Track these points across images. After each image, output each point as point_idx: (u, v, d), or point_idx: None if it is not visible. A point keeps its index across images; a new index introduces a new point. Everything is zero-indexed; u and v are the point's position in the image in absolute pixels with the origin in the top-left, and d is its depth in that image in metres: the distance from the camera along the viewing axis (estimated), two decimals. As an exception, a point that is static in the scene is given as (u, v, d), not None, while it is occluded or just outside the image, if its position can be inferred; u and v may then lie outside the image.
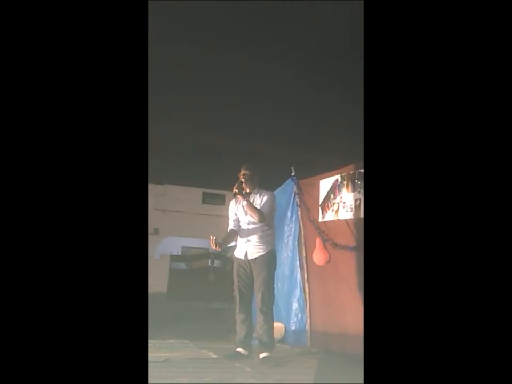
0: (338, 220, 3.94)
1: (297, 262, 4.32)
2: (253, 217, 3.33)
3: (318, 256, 4.10)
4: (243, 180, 3.41)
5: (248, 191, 3.43)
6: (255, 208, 3.33)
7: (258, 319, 3.30)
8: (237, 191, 3.31)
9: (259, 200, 3.42)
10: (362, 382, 1.46)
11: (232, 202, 3.58)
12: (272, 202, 3.44)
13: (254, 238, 3.39)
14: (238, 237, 3.49)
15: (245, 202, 3.35)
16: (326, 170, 4.20)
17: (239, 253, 3.47)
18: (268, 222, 3.40)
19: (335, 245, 3.88)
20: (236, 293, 3.44)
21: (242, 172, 3.45)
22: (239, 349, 3.35)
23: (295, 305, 4.30)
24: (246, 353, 3.33)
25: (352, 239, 3.73)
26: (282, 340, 4.11)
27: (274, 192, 3.73)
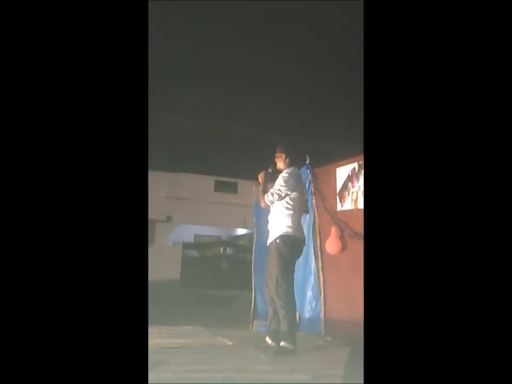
0: (358, 208, 3.90)
1: (312, 251, 4.31)
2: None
3: (331, 246, 4.09)
4: (277, 159, 3.50)
5: (281, 170, 3.46)
6: (260, 192, 3.41)
7: (277, 308, 3.22)
8: (260, 180, 3.45)
9: (278, 179, 3.42)
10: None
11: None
12: (283, 183, 3.32)
13: (270, 224, 3.41)
14: None
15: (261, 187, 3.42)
16: (342, 158, 4.16)
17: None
18: (286, 207, 3.33)
19: (354, 234, 3.85)
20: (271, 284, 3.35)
21: (277, 151, 3.52)
22: (282, 343, 3.13)
23: (309, 293, 4.30)
24: (291, 347, 3.12)
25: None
26: (297, 328, 4.12)
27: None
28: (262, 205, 3.44)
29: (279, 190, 3.31)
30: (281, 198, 3.31)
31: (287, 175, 3.37)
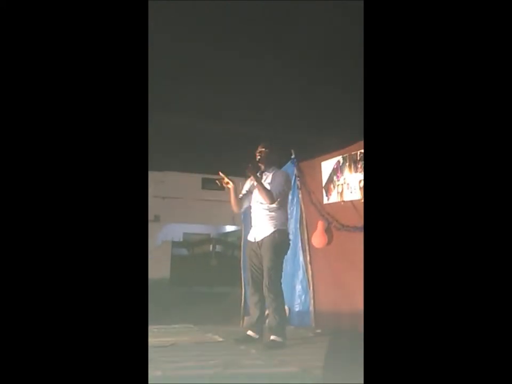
0: (344, 201, 3.93)
1: (300, 244, 4.33)
2: (262, 198, 3.28)
3: (317, 239, 4.12)
4: (259, 157, 3.40)
5: (263, 169, 3.40)
6: (265, 188, 3.26)
7: (268, 302, 3.24)
8: (249, 172, 3.29)
9: (270, 179, 3.36)
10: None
11: (248, 181, 3.52)
12: (283, 182, 3.34)
13: (262, 220, 3.34)
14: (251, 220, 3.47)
15: (255, 183, 3.30)
16: (327, 152, 4.18)
17: (250, 236, 3.45)
18: (279, 202, 3.32)
19: (342, 226, 3.88)
20: (248, 276, 3.42)
21: (259, 149, 3.43)
22: (249, 332, 3.31)
23: (298, 287, 4.33)
24: (257, 336, 3.29)
25: (359, 220, 3.70)
26: (287, 322, 4.14)
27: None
28: (272, 204, 3.28)
29: (284, 189, 3.35)
30: (286, 196, 3.42)
31: (286, 173, 3.46)
